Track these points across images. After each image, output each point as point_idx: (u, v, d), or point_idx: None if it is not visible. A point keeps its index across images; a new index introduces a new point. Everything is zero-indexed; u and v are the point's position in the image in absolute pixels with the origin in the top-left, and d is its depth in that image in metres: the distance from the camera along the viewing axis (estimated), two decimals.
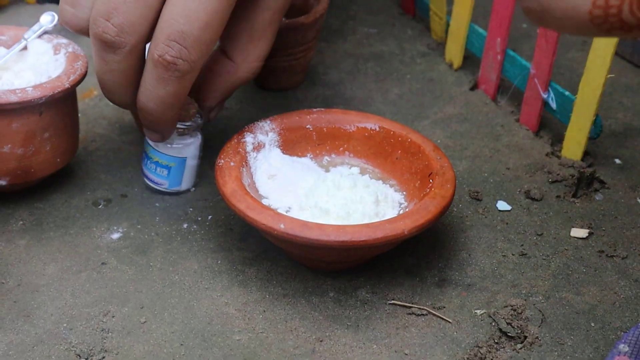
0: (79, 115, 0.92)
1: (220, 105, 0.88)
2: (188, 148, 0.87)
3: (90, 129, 0.98)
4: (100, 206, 0.88)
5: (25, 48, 0.91)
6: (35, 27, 0.91)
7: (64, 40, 0.91)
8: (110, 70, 0.79)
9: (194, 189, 0.89)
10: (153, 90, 0.78)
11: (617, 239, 0.85)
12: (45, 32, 0.91)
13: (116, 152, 0.95)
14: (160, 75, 0.77)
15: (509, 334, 0.75)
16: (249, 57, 0.84)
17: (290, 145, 0.87)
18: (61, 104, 0.86)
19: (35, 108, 0.83)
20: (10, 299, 0.78)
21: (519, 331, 0.75)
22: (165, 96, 0.79)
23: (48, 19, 0.91)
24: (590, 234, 0.86)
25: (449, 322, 0.77)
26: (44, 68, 0.89)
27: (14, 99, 0.82)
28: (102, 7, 0.76)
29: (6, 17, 1.17)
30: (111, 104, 0.99)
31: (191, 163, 0.88)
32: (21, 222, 0.86)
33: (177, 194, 0.89)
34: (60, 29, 1.10)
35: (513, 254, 0.83)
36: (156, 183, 0.88)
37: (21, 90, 0.82)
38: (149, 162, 0.87)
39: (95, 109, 1.01)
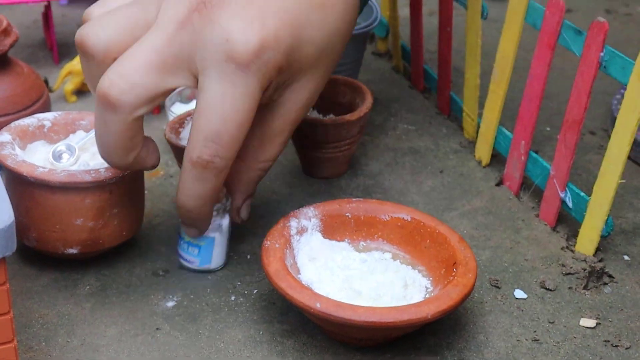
0: (145, 192, 0.91)
1: (247, 205, 0.86)
2: (217, 229, 0.84)
3: (154, 205, 0.97)
4: (159, 276, 0.87)
5: None
6: None
7: None
8: (109, 132, 0.75)
9: (222, 266, 0.87)
10: (193, 188, 0.77)
11: (622, 330, 0.82)
12: None
13: (177, 228, 0.92)
14: (200, 174, 0.75)
15: None
16: (259, 158, 0.83)
17: (330, 230, 0.86)
18: (129, 184, 0.85)
19: (106, 187, 0.82)
20: (74, 357, 0.77)
21: None
22: (204, 193, 0.77)
23: None
24: (597, 324, 0.83)
25: None
26: None
27: (88, 178, 0.81)
28: (112, 69, 0.73)
29: (87, 103, 1.17)
30: (174, 182, 0.99)
31: (220, 242, 0.85)
32: (88, 287, 0.85)
33: (208, 272, 0.86)
34: None
35: (526, 339, 0.81)
36: (188, 261, 0.86)
37: (95, 171, 0.82)
38: (181, 241, 0.86)
39: (160, 187, 1.00)
